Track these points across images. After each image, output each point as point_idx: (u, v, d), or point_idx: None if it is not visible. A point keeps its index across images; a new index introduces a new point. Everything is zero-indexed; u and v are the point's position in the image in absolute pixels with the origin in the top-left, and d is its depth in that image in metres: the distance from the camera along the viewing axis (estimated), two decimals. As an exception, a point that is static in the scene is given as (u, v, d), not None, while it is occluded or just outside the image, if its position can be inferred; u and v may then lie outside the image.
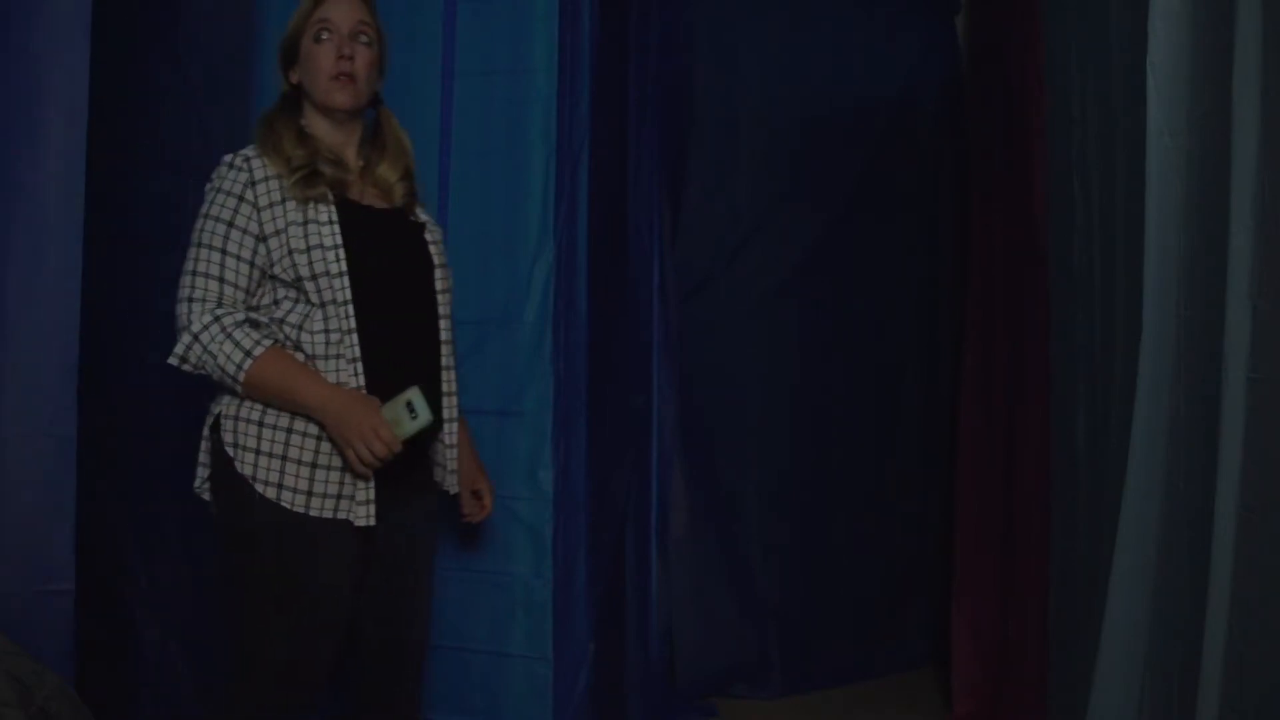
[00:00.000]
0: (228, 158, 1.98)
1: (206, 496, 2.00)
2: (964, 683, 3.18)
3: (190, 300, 1.90)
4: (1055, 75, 2.71)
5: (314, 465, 1.91)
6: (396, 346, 1.97)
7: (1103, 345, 2.45)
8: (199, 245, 1.93)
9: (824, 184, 3.60)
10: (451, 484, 2.09)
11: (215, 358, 1.87)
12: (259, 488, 1.90)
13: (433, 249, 2.06)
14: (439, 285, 2.05)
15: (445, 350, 2.03)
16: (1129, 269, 2.23)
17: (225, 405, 1.95)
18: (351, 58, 1.99)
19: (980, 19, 3.52)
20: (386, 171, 2.06)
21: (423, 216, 2.10)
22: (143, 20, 2.51)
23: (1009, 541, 3.05)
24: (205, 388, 2.52)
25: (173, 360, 1.91)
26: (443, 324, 2.04)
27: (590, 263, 2.56)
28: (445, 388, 2.02)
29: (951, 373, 3.55)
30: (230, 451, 1.92)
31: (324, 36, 2.00)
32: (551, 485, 2.41)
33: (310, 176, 1.94)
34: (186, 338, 1.89)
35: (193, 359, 1.90)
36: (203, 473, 2.00)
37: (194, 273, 1.91)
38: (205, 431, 1.99)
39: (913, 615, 3.76)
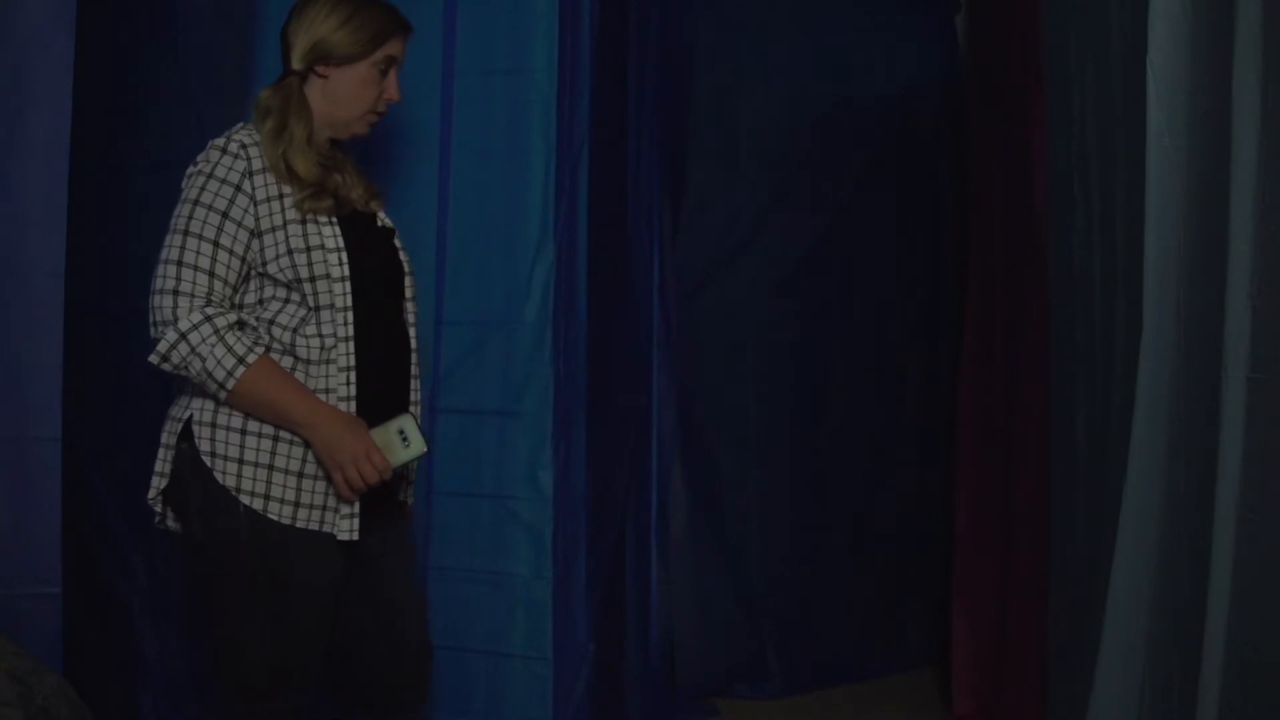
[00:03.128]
0: (219, 141, 1.85)
1: (159, 508, 1.88)
2: (964, 683, 3.18)
3: (177, 294, 1.76)
4: (1055, 75, 2.71)
5: (300, 474, 1.83)
6: (381, 355, 1.92)
7: (1103, 345, 2.45)
8: (187, 234, 1.79)
9: (824, 184, 3.60)
10: (410, 495, 2.07)
11: (204, 360, 1.75)
12: (244, 499, 1.80)
13: (403, 255, 2.02)
14: (408, 293, 2.01)
15: (414, 359, 1.99)
16: (1129, 269, 2.23)
17: (198, 411, 1.82)
18: (394, 101, 1.99)
19: (980, 19, 3.52)
20: (357, 176, 2.01)
21: (389, 221, 2.06)
22: (140, 18, 2.51)
23: (1009, 541, 3.05)
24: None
25: (153, 359, 1.77)
26: (412, 332, 2.00)
27: (590, 263, 2.56)
28: (413, 396, 1.99)
29: (951, 373, 3.55)
30: (208, 461, 1.81)
31: (388, 73, 1.97)
32: (551, 485, 2.41)
33: (320, 192, 1.87)
34: (172, 335, 1.75)
35: (175, 359, 1.76)
36: (159, 483, 1.86)
37: (180, 263, 1.77)
38: (167, 439, 1.87)
39: (913, 615, 3.76)
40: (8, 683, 1.70)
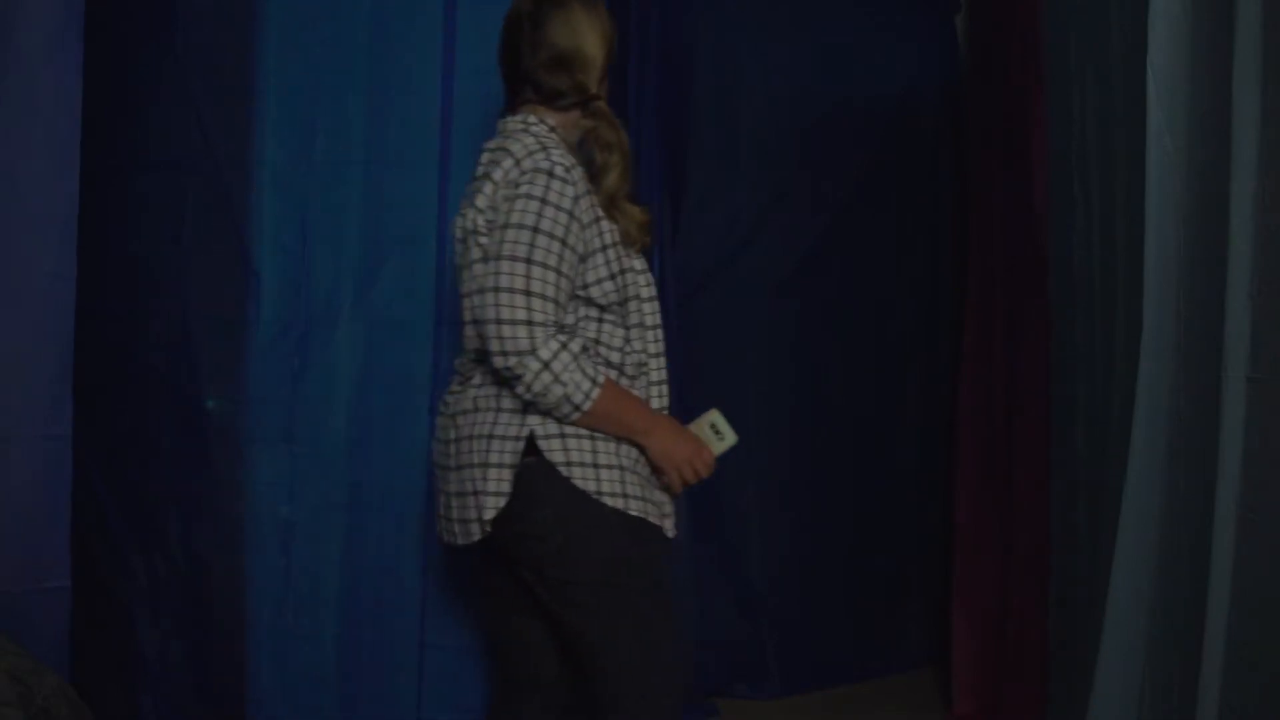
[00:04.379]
0: (544, 164, 1.81)
1: (489, 530, 1.84)
2: (964, 683, 3.18)
3: (531, 324, 1.75)
4: (1055, 75, 2.71)
5: (646, 476, 1.91)
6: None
7: (1103, 345, 2.45)
8: (530, 262, 1.76)
9: (824, 184, 3.60)
10: None
11: (565, 386, 1.77)
12: (606, 500, 1.83)
13: None
14: None
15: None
16: (1129, 269, 2.23)
17: (538, 426, 1.82)
18: None
19: (980, 19, 3.52)
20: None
21: None
22: (140, 18, 2.51)
23: (1009, 541, 3.05)
24: (202, 390, 2.55)
25: (521, 389, 1.78)
26: None
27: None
28: (668, 400, 2.05)
29: (951, 373, 3.55)
30: (564, 470, 1.81)
31: None
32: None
33: (646, 223, 1.93)
34: (535, 364, 1.75)
35: (537, 387, 1.76)
36: (498, 502, 1.82)
37: (529, 293, 1.75)
38: (499, 459, 1.82)
39: (913, 615, 3.76)
40: (8, 683, 1.70)
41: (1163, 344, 2.02)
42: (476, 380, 1.90)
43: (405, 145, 2.49)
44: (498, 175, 1.85)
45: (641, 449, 1.89)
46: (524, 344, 1.75)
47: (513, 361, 1.76)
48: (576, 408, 1.79)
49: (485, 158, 1.92)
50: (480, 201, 1.87)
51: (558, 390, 1.77)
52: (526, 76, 1.93)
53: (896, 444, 3.76)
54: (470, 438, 1.86)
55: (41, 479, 2.02)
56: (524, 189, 1.80)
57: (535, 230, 1.78)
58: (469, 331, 1.91)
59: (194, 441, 2.56)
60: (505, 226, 1.79)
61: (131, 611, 2.54)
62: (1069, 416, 2.66)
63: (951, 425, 3.46)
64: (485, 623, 2.26)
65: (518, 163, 1.83)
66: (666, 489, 1.95)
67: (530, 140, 1.86)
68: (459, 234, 1.94)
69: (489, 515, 1.82)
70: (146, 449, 2.58)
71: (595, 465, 1.83)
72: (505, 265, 1.77)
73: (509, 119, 1.94)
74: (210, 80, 2.53)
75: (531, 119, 1.91)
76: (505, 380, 1.81)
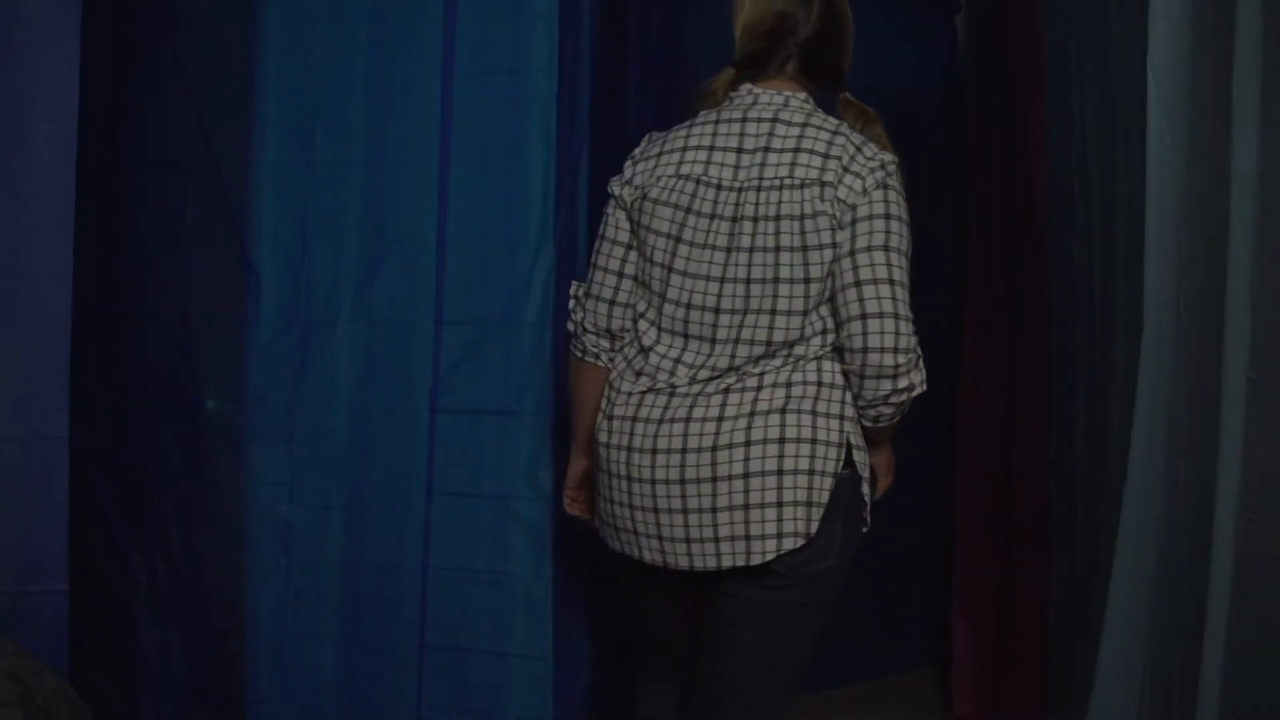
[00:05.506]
0: (887, 155, 1.75)
1: (798, 544, 1.70)
2: (964, 683, 3.18)
3: (910, 320, 1.71)
4: (1055, 75, 2.71)
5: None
6: None
7: (1103, 345, 2.45)
8: (906, 254, 1.70)
9: (824, 184, 3.59)
10: None
11: (917, 388, 1.73)
12: (867, 518, 1.80)
13: None
14: None
15: None
16: (1129, 269, 2.23)
17: (852, 433, 1.73)
18: None
19: (980, 19, 3.52)
20: None
21: None
22: (140, 18, 2.51)
23: (1009, 541, 3.05)
24: (202, 390, 2.55)
25: (901, 386, 1.71)
26: None
27: (590, 263, 2.56)
28: None
29: (951, 372, 3.54)
30: (864, 486, 1.77)
31: None
32: (551, 485, 2.41)
33: None
34: (919, 377, 1.75)
35: (918, 389, 1.74)
36: (817, 513, 1.69)
37: (906, 285, 1.70)
38: (822, 466, 1.70)
39: (913, 615, 3.76)
40: (8, 683, 1.70)
41: (1163, 344, 2.02)
42: (778, 376, 1.73)
43: (405, 145, 2.48)
44: (823, 148, 1.74)
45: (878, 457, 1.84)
46: (915, 342, 1.69)
47: (905, 360, 1.67)
48: (911, 401, 1.72)
49: (786, 135, 1.77)
50: (820, 173, 1.72)
51: (918, 388, 1.71)
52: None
53: (896, 443, 3.76)
54: (809, 442, 1.69)
55: (41, 479, 2.02)
56: (891, 180, 1.71)
57: (903, 221, 1.71)
58: (762, 321, 1.73)
59: (194, 441, 2.55)
60: (886, 217, 1.68)
61: (131, 611, 2.53)
62: (1069, 416, 2.66)
63: (951, 425, 3.46)
64: (624, 609, 2.11)
65: (859, 147, 1.74)
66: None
67: (836, 123, 1.83)
68: (794, 208, 1.71)
69: (814, 529, 1.68)
70: (146, 449, 2.57)
71: (866, 480, 1.77)
72: (896, 262, 1.68)
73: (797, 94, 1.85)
74: (210, 80, 2.53)
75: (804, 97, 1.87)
76: (865, 375, 1.68)
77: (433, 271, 2.48)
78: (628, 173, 1.85)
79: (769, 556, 1.68)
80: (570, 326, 1.94)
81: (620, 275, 1.84)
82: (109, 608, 2.52)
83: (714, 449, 1.68)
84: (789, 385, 1.72)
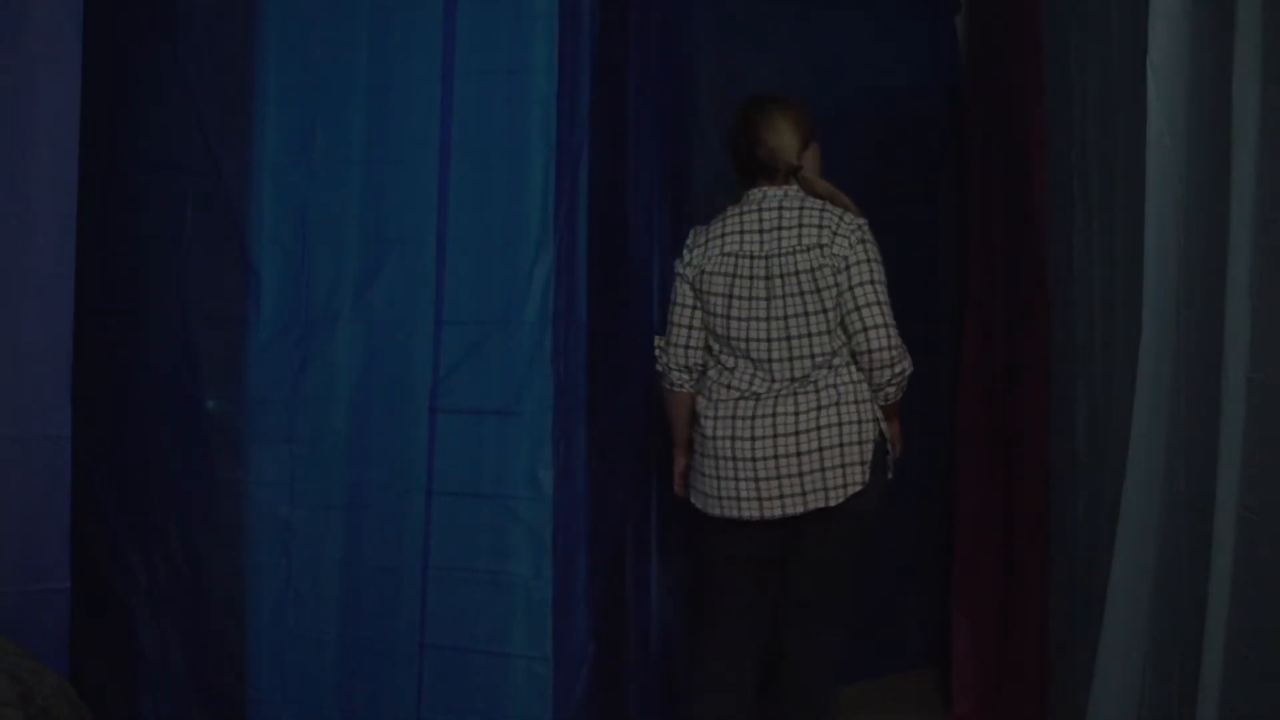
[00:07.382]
0: (860, 220, 2.53)
1: (859, 488, 2.46)
2: (964, 683, 3.19)
3: (895, 325, 2.44)
4: (1055, 75, 2.71)
5: None
6: None
7: (1103, 345, 2.45)
8: (884, 282, 2.46)
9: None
10: None
11: (908, 370, 2.48)
12: (891, 472, 2.53)
13: None
14: None
15: None
16: (1129, 269, 2.23)
17: (876, 412, 2.48)
18: None
19: (980, 19, 3.52)
20: None
21: None
22: (140, 18, 2.51)
23: (1009, 541, 3.05)
24: (202, 390, 2.55)
25: (899, 371, 2.45)
26: None
27: (590, 263, 2.56)
28: None
29: (951, 372, 3.54)
30: (887, 446, 2.51)
31: None
32: (551, 485, 2.41)
33: None
34: (909, 365, 2.47)
35: (909, 371, 2.46)
36: (864, 473, 2.45)
37: (888, 302, 2.43)
38: (862, 435, 2.45)
39: (912, 615, 3.76)
40: (8, 683, 1.70)
41: (1163, 344, 2.02)
42: (827, 379, 2.45)
43: (405, 145, 2.48)
44: (816, 220, 2.50)
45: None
46: (899, 353, 2.44)
47: (896, 352, 2.43)
48: (902, 396, 2.50)
49: (790, 216, 2.52)
50: (818, 239, 2.48)
51: (909, 372, 2.48)
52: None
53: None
54: (856, 422, 2.45)
55: (41, 479, 2.02)
56: (866, 234, 2.49)
57: (879, 261, 2.49)
58: (803, 344, 2.47)
59: (194, 441, 2.55)
60: (868, 260, 2.45)
61: (131, 611, 2.53)
62: (1069, 416, 2.66)
63: (951, 424, 3.46)
64: (723, 589, 2.69)
65: (840, 217, 2.49)
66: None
67: (820, 203, 2.55)
68: (806, 264, 2.47)
69: (866, 478, 2.44)
70: (146, 449, 2.57)
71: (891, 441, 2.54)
72: (880, 289, 2.44)
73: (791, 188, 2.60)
74: (210, 80, 2.53)
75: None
76: (873, 368, 2.43)
77: (433, 271, 2.47)
78: (687, 256, 2.60)
79: (842, 500, 2.45)
80: (658, 367, 2.66)
81: (689, 328, 2.60)
82: (109, 608, 2.53)
83: (795, 433, 2.45)
84: (836, 386, 2.47)
